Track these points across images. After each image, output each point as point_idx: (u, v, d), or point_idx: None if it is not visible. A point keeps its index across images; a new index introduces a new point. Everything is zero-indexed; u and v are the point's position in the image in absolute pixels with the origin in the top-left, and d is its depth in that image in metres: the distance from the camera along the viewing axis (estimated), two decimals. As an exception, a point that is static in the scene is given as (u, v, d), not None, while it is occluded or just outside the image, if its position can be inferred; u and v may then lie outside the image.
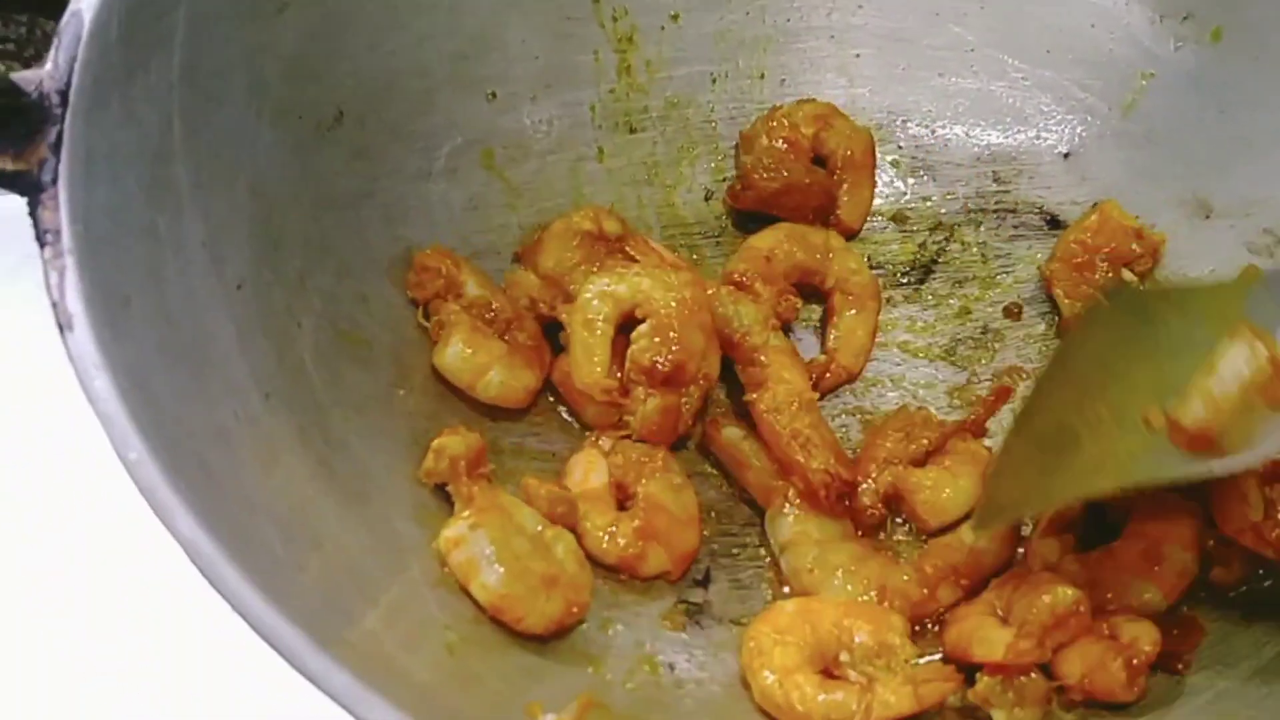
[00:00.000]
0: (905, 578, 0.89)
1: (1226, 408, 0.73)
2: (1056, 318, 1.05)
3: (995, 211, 1.10)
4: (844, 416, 1.02)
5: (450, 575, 0.81)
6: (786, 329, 1.00)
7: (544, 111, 1.05)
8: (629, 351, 0.92)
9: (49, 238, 0.66)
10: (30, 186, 0.67)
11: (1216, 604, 0.89)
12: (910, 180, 1.12)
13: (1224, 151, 1.04)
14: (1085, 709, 0.83)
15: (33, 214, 0.67)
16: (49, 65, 0.69)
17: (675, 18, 1.08)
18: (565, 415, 0.97)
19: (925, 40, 1.11)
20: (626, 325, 0.94)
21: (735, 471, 0.96)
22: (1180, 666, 0.85)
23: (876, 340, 1.05)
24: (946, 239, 1.10)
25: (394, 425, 0.89)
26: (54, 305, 0.65)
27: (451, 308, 0.94)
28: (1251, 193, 1.03)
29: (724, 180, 1.10)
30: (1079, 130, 1.10)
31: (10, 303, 1.04)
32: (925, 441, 0.95)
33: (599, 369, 0.92)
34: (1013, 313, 1.06)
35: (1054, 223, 1.09)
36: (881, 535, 0.95)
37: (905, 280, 1.08)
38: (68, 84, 0.68)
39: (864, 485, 0.94)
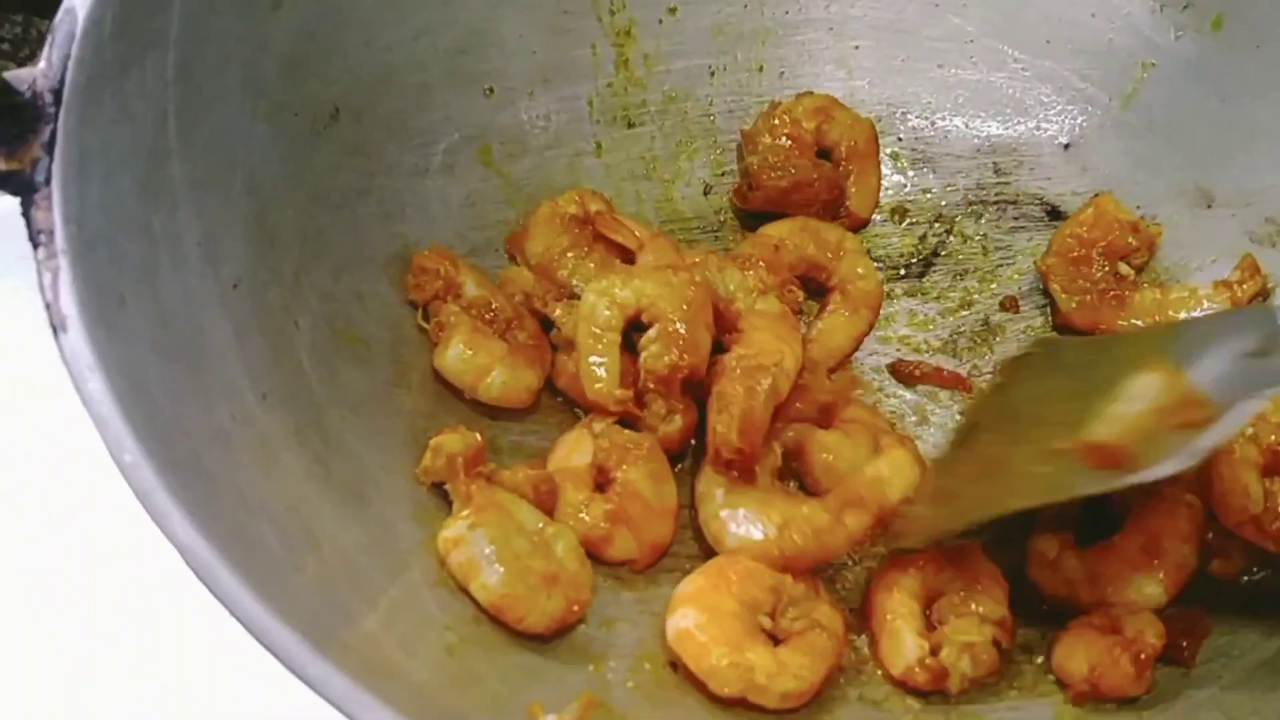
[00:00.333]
0: (807, 509, 0.88)
1: (1134, 428, 0.78)
2: (1053, 311, 1.04)
3: (996, 203, 1.10)
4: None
5: (450, 575, 0.81)
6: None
7: (542, 106, 1.05)
8: (641, 360, 0.91)
9: (42, 238, 0.66)
10: (23, 186, 0.66)
11: (1222, 597, 0.88)
12: (910, 173, 1.11)
13: (1225, 141, 1.03)
14: (1090, 705, 0.83)
15: (26, 214, 0.66)
16: (42, 64, 0.68)
17: (673, 11, 1.07)
18: (563, 410, 0.97)
19: (924, 31, 1.10)
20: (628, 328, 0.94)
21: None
22: (1186, 659, 0.85)
23: (877, 334, 1.05)
24: (947, 231, 1.09)
25: (392, 424, 0.88)
26: (48, 306, 0.65)
27: (451, 309, 0.93)
28: (1253, 182, 1.02)
29: (723, 174, 1.10)
30: (1079, 121, 1.09)
31: (4, 303, 1.04)
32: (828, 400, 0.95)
33: (612, 379, 0.91)
34: (1009, 306, 1.05)
35: (1055, 214, 1.09)
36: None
37: (906, 273, 1.08)
38: (61, 82, 0.68)
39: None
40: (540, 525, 0.85)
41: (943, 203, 1.10)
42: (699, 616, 0.83)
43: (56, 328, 0.64)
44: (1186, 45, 1.04)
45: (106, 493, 0.82)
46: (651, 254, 0.98)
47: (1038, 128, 1.10)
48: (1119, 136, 1.08)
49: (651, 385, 0.91)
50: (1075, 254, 1.03)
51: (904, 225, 1.10)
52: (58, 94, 0.68)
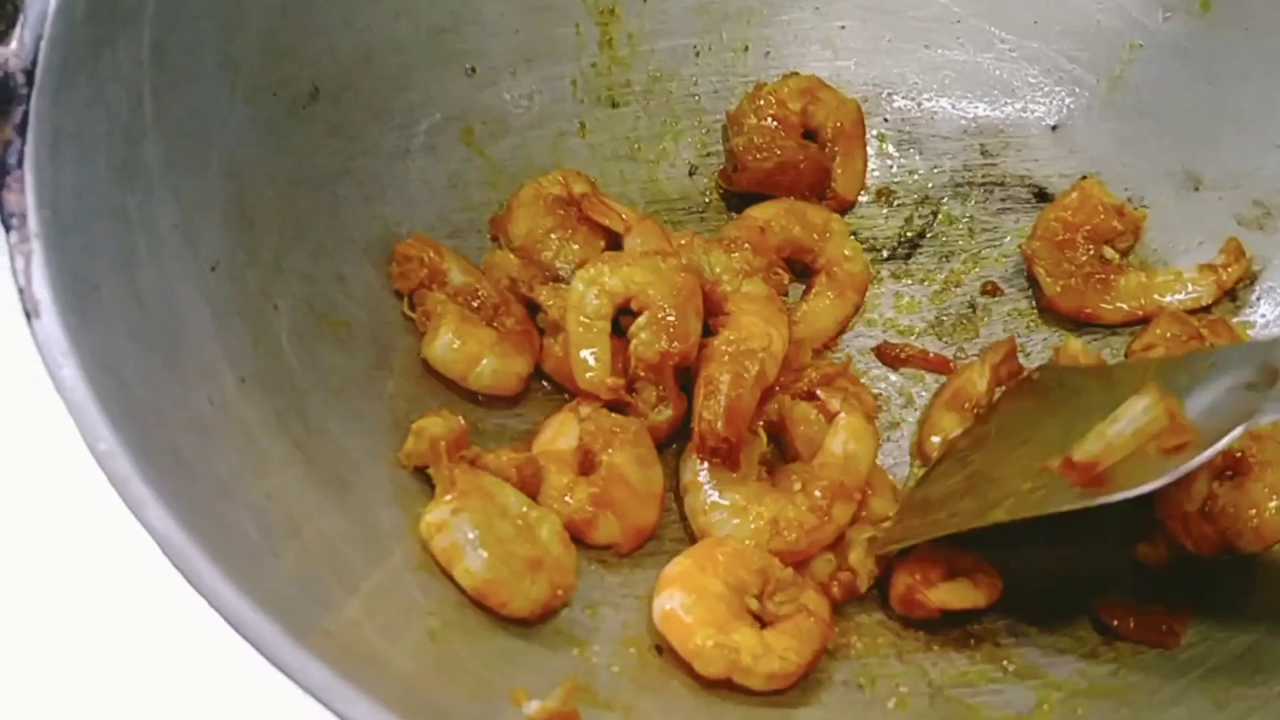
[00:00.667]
0: (794, 509, 0.88)
1: (1120, 448, 0.79)
2: (1038, 295, 1.04)
3: (983, 185, 1.09)
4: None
5: (432, 559, 0.80)
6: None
7: (524, 86, 1.04)
8: (632, 347, 0.91)
9: (14, 222, 0.65)
10: (-5, 169, 0.66)
11: (1209, 576, 0.88)
12: (896, 154, 1.10)
13: (1213, 123, 1.03)
14: (1073, 689, 0.84)
15: (-3, 197, 0.66)
16: (14, 44, 0.68)
17: (658, -12, 1.07)
18: (548, 393, 0.96)
19: (911, 11, 1.10)
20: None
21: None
22: (1171, 640, 0.85)
23: (863, 316, 1.04)
24: (933, 213, 1.08)
25: (374, 408, 0.88)
26: (20, 291, 0.64)
27: (437, 297, 0.93)
28: (1241, 164, 1.02)
29: (708, 155, 1.09)
30: (1067, 102, 1.09)
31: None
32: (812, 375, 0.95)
33: (603, 368, 0.91)
34: (990, 291, 1.05)
35: (1042, 195, 1.08)
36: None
37: (892, 256, 1.07)
38: (34, 62, 0.68)
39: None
40: (524, 509, 0.85)
41: (929, 184, 1.10)
42: (685, 598, 0.83)
43: (29, 313, 0.64)
44: (1175, 26, 1.04)
45: (83, 481, 0.81)
46: (639, 238, 0.97)
47: (1025, 109, 1.10)
48: (1106, 118, 1.07)
49: (642, 373, 0.91)
50: (1060, 238, 1.03)
51: (890, 207, 1.09)
52: (30, 74, 0.67)
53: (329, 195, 0.92)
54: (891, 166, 1.10)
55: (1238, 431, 0.76)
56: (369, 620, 0.71)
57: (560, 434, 0.91)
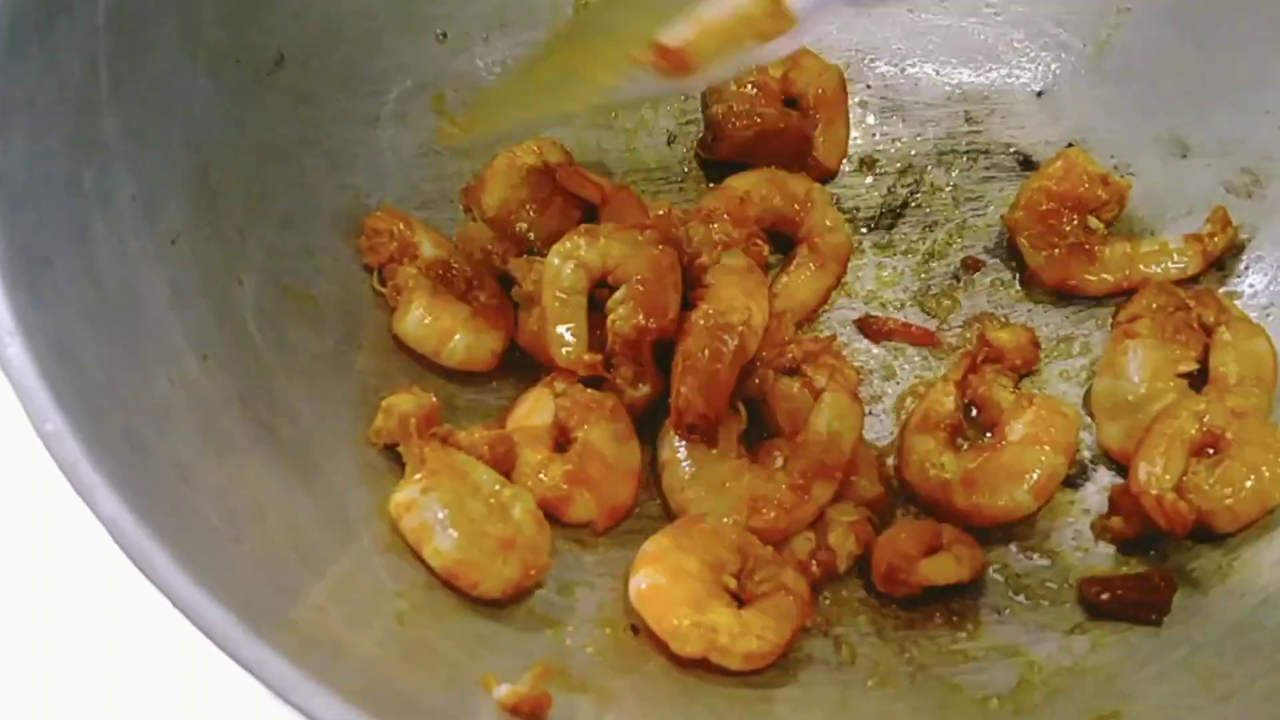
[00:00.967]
0: (773, 488, 0.87)
1: (709, 33, 0.77)
2: (1020, 265, 1.02)
3: (967, 153, 1.08)
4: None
5: (402, 539, 0.79)
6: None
7: (497, 52, 1.02)
8: (609, 322, 0.89)
9: (-40, 196, 0.63)
10: (-59, 142, 0.64)
11: (1193, 553, 0.88)
12: (879, 122, 1.09)
13: (1201, 89, 1.01)
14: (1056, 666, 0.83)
15: (-57, 171, 0.64)
16: (-39, 11, 0.65)
17: (635, -49, 1.04)
18: (523, 368, 0.94)
19: (895, -26, 1.08)
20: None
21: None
22: (1155, 617, 0.84)
23: (845, 288, 1.02)
24: (916, 182, 1.07)
25: (343, 386, 0.86)
26: (-34, 268, 0.62)
27: (408, 271, 0.91)
28: (1229, 131, 1.01)
29: (687, 124, 1.07)
30: (1053, 68, 1.07)
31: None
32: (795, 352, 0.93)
33: (580, 345, 0.89)
34: (970, 265, 1.03)
35: (1027, 163, 1.07)
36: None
37: (874, 226, 1.05)
38: (-17, 30, 0.65)
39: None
40: (497, 487, 0.83)
41: (912, 152, 1.08)
42: (661, 577, 0.82)
43: (-25, 291, 0.62)
44: (1162, -11, 1.02)
45: (37, 465, 0.79)
46: (616, 209, 0.96)
47: (1010, 75, 1.08)
48: (1093, 84, 1.06)
49: (619, 349, 0.89)
50: (1043, 207, 1.01)
51: (873, 176, 1.07)
52: (-22, 43, 0.65)
53: (296, 166, 0.90)
54: (874, 134, 1.08)
55: (830, 14, 0.75)
56: (334, 606, 0.69)
57: (535, 410, 0.90)
